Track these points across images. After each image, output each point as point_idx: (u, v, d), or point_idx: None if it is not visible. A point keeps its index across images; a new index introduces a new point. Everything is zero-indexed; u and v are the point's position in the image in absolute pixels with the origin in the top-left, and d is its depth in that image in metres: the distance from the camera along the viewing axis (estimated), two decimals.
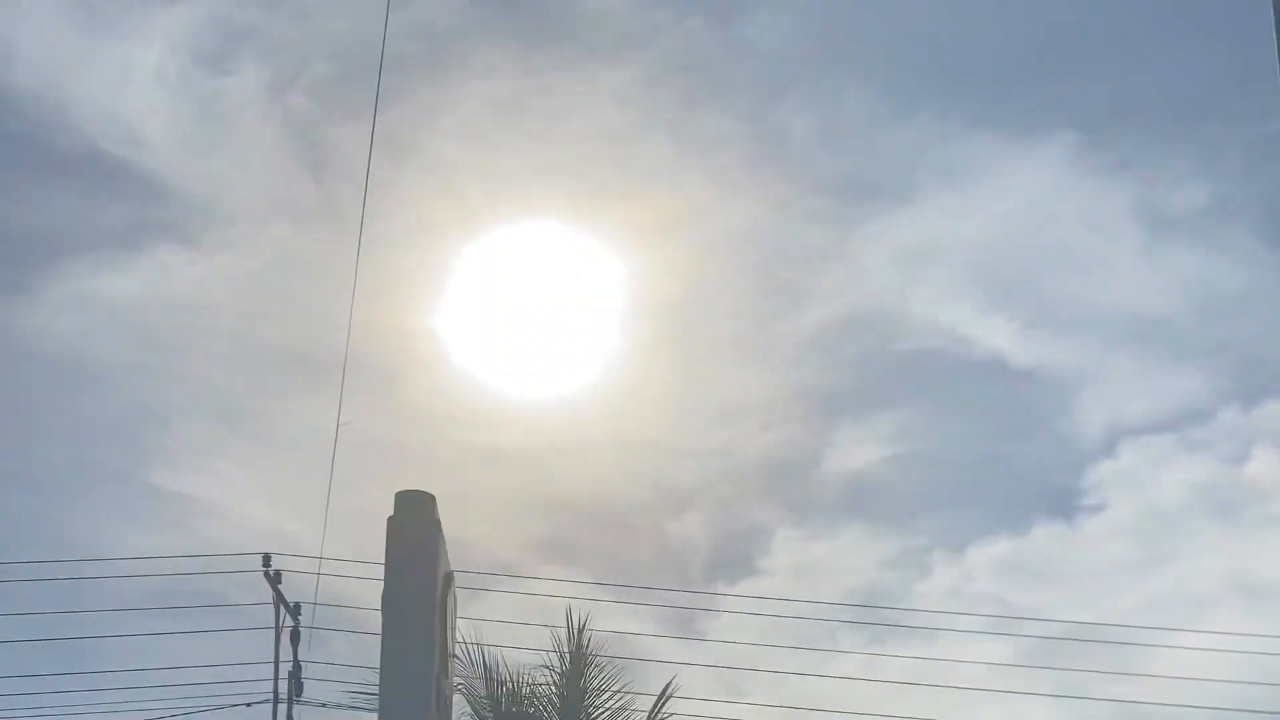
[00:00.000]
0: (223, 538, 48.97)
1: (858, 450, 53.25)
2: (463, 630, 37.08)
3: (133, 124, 53.97)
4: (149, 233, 54.53)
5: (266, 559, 36.66)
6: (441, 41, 55.74)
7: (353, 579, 34.10)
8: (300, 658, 36.80)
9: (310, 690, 36.60)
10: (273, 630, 37.15)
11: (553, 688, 27.80)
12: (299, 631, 36.45)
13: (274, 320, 54.06)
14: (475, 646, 27.41)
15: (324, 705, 35.94)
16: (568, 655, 27.77)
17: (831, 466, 53.59)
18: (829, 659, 42.79)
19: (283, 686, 36.54)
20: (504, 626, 36.92)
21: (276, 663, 36.76)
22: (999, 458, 55.24)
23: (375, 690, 16.56)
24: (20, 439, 51.27)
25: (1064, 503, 53.48)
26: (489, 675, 27.63)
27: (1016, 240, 56.21)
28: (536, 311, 52.28)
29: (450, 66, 55.70)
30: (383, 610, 13.17)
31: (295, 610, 36.80)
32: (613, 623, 40.16)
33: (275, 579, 36.69)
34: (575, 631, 27.91)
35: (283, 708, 36.38)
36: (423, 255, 53.10)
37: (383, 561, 13.52)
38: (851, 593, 48.57)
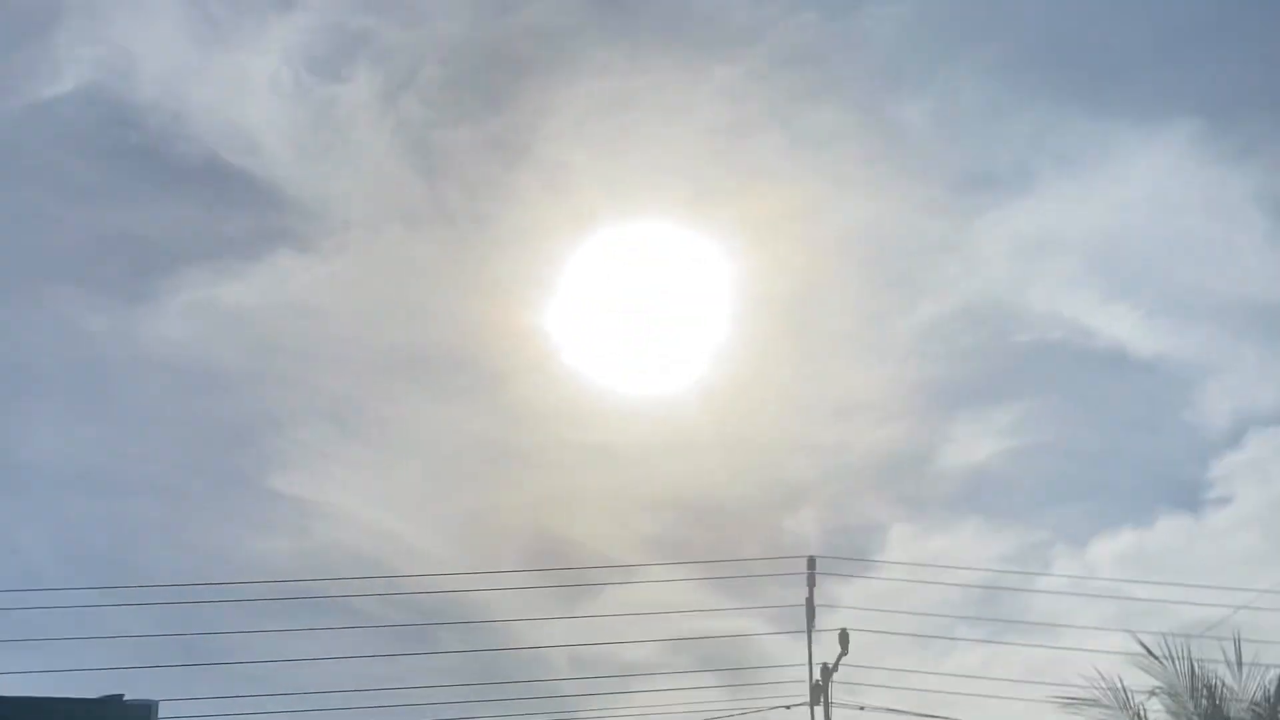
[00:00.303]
0: (340, 541, 49.35)
1: (975, 444, 52.69)
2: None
3: (250, 133, 54.82)
4: (266, 240, 55.32)
5: (811, 561, 36.43)
6: (553, 42, 56.02)
7: None
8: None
9: None
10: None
11: None
12: (845, 634, 35.40)
13: (389, 324, 54.52)
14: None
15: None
16: None
17: (948, 461, 53.04)
18: (947, 655, 42.32)
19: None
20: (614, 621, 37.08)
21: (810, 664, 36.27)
22: (1122, 450, 54.30)
23: None
24: (142, 444, 52.15)
25: (1189, 495, 52.34)
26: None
27: (1137, 229, 55.37)
28: (647, 309, 52.34)
29: (562, 67, 55.95)
30: None
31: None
32: (724, 622, 40.28)
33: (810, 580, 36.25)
34: None
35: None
36: (534, 255, 53.39)
37: None
38: (969, 588, 47.93)
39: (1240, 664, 27.73)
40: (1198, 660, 27.97)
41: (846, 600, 45.69)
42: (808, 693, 34.38)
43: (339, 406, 53.04)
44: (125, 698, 31.66)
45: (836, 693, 33.92)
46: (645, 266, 52.60)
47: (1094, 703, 28.07)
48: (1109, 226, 54.65)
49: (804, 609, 36.61)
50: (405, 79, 54.83)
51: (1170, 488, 52.22)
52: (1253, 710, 27.28)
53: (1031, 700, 34.90)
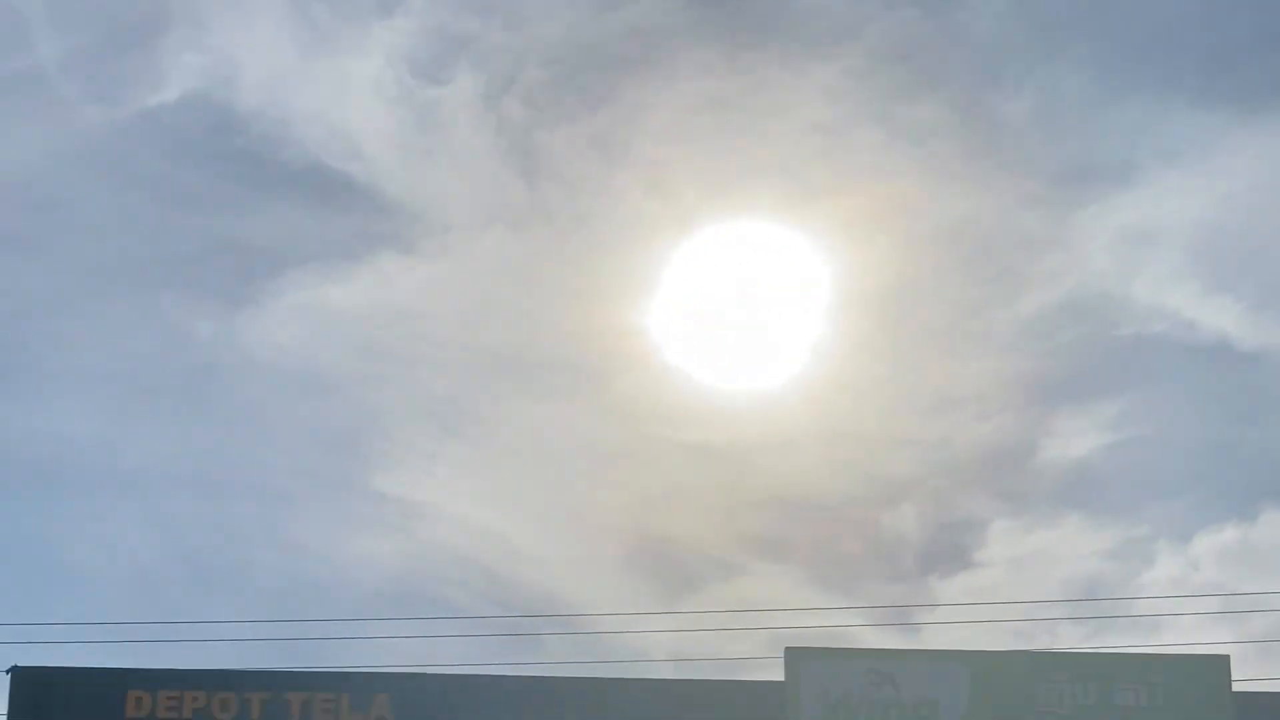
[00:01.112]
0: (443, 541, 49.82)
1: (1077, 438, 52.32)
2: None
3: (352, 137, 55.56)
4: (370, 242, 55.99)
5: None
6: (653, 42, 56.29)
7: None
8: None
9: None
10: None
11: None
12: None
13: (491, 324, 55.00)
14: None
15: None
16: None
17: (1050, 455, 52.73)
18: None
19: None
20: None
21: None
22: (1226, 443, 53.73)
23: None
24: (250, 446, 53.00)
25: None
26: None
27: (1241, 220, 54.78)
28: (746, 307, 52.43)
29: (661, 66, 56.22)
30: None
31: None
32: (829, 617, 40.35)
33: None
34: None
35: None
36: (634, 254, 53.69)
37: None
38: (1071, 584, 47.69)
39: None
40: None
41: (947, 595, 45.79)
42: None
43: (442, 407, 53.64)
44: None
45: None
46: (744, 264, 52.75)
47: None
48: (1212, 218, 54.16)
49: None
50: (506, 80, 55.37)
51: (1275, 481, 51.63)
52: None
53: None
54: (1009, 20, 55.63)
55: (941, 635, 41.15)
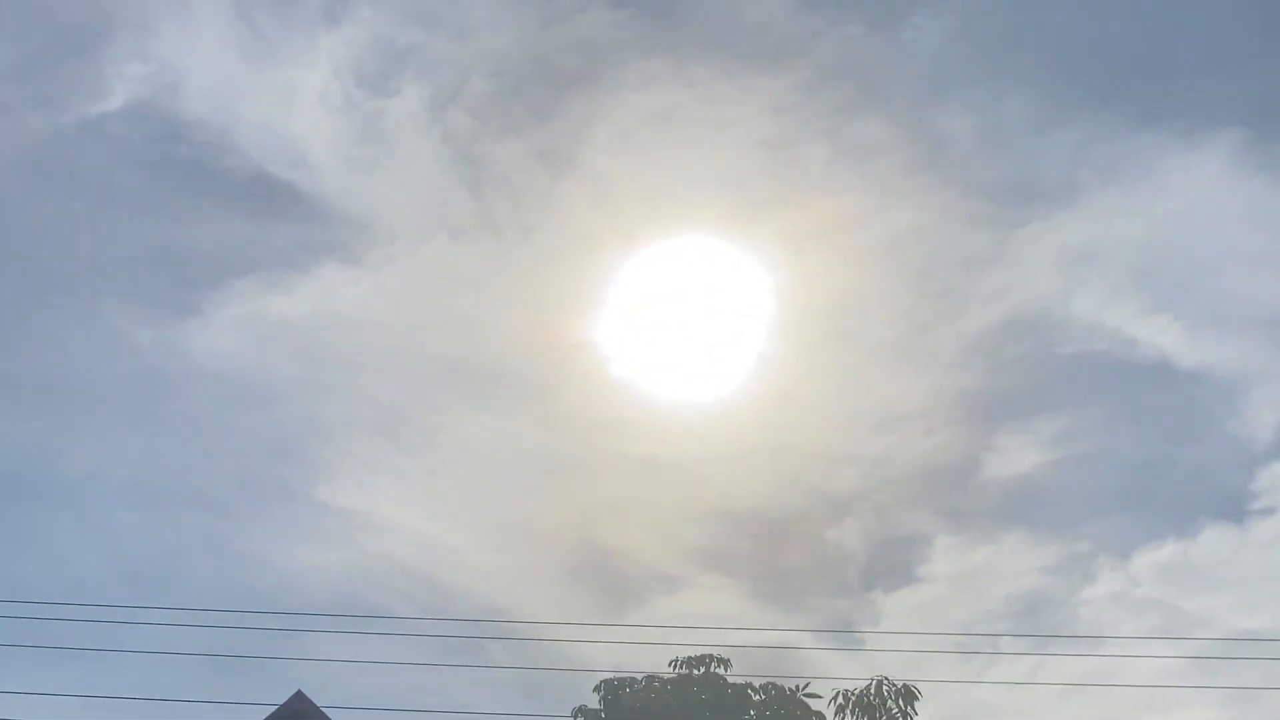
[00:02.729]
0: (388, 552, 49.64)
1: (1019, 455, 52.58)
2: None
3: (297, 146, 55.37)
4: (313, 252, 55.81)
5: None
6: (599, 54, 56.38)
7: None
8: None
9: None
10: None
11: None
12: None
13: (436, 335, 54.92)
14: None
15: None
16: None
17: (992, 472, 52.99)
18: (991, 666, 42.33)
19: None
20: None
21: None
22: (1165, 461, 54.18)
23: None
24: (192, 456, 52.65)
25: (1234, 506, 52.05)
26: None
27: (1181, 240, 55.30)
28: (693, 322, 52.55)
29: (608, 79, 56.31)
30: None
31: None
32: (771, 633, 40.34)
33: None
34: None
35: None
36: (581, 266, 53.71)
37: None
38: (1013, 600, 47.96)
39: None
40: None
41: (890, 610, 45.96)
42: None
43: (386, 417, 53.45)
44: None
45: None
46: (691, 278, 52.87)
47: None
48: (1153, 238, 54.67)
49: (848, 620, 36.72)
50: (452, 92, 55.36)
51: (1214, 499, 52.04)
52: None
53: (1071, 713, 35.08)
54: (954, 38, 56.03)
55: (886, 648, 41.26)
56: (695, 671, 29.26)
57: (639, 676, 29.39)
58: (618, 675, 29.43)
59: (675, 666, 29.48)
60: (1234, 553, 49.73)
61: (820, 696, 28.88)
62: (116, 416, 53.30)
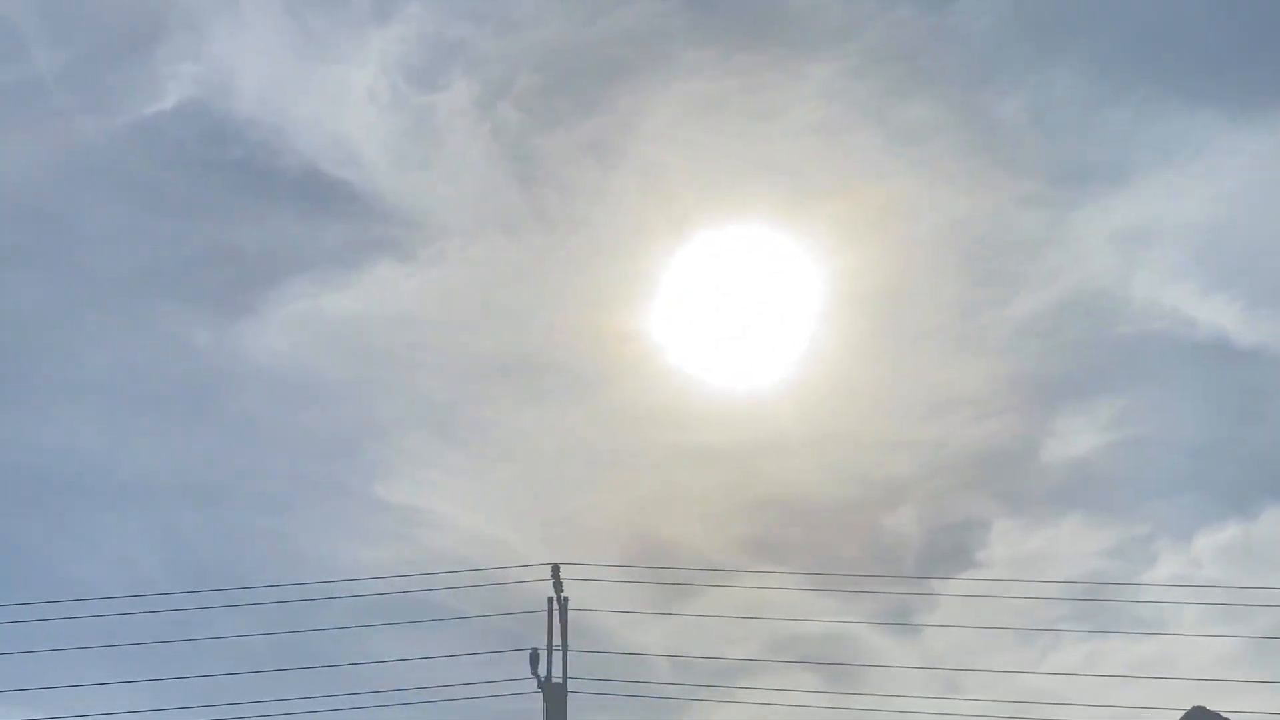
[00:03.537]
0: (443, 547, 49.78)
1: (1077, 438, 52.23)
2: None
3: (349, 144, 55.57)
4: (366, 250, 55.98)
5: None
6: (647, 45, 56.26)
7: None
8: None
9: None
10: None
11: None
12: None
13: (488, 330, 55.01)
14: None
15: None
16: None
17: (1050, 455, 52.63)
18: (1050, 651, 42.06)
19: None
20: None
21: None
22: (1226, 441, 53.55)
23: None
24: (249, 455, 52.95)
25: None
26: None
27: (1239, 218, 54.66)
28: (744, 310, 52.41)
29: (656, 69, 56.18)
30: None
31: None
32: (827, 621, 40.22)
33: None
34: None
35: None
36: (632, 258, 53.67)
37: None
38: (1073, 584, 47.52)
39: None
40: None
41: (948, 597, 45.60)
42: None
43: (440, 414, 53.61)
44: None
45: None
46: (741, 267, 52.74)
47: None
48: (1209, 216, 54.08)
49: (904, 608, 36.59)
50: (501, 86, 55.38)
51: (1276, 478, 51.44)
52: None
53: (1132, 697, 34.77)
54: (1005, 19, 55.64)
55: (942, 636, 41.07)
56: None
57: None
58: None
59: None
60: None
61: None
62: (174, 417, 53.72)
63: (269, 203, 56.38)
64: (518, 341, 54.44)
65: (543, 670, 31.59)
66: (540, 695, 31.72)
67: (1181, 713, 33.99)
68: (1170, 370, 54.26)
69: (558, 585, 33.92)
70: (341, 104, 55.72)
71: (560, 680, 31.80)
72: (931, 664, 37.73)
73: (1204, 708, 30.66)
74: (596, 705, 33.06)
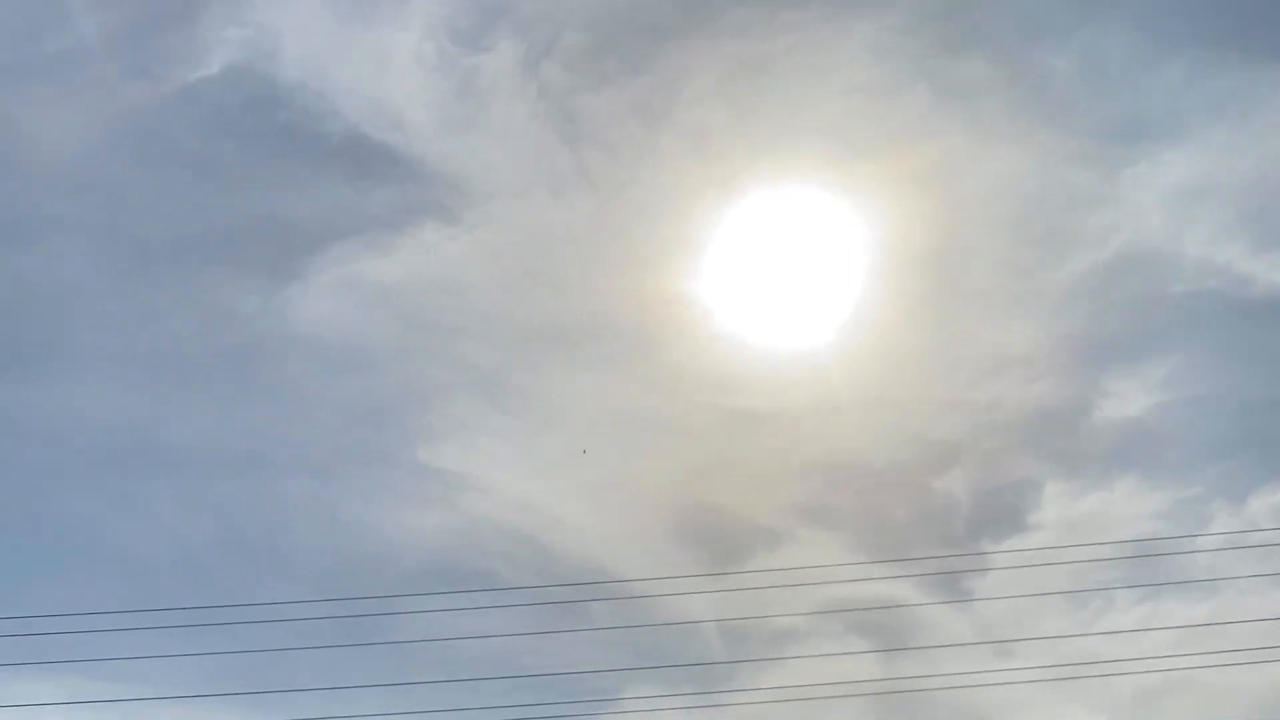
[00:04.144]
0: (489, 513, 49.73)
1: (1129, 398, 51.73)
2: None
3: (393, 107, 55.35)
4: (411, 214, 55.79)
5: None
6: (693, 4, 55.81)
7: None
8: None
9: None
10: None
11: None
12: None
13: (533, 294, 54.82)
14: None
15: None
16: None
17: (1102, 416, 52.16)
18: (1103, 614, 41.73)
19: None
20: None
21: None
22: None
23: None
24: (294, 422, 53.01)
25: None
26: None
27: None
28: (793, 271, 52.04)
29: (702, 28, 55.71)
30: None
31: None
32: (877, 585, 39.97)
33: None
34: None
35: None
36: (678, 219, 53.28)
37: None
38: (1125, 546, 47.13)
39: None
40: None
41: (998, 562, 45.30)
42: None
43: (486, 379, 53.51)
44: None
45: None
46: (789, 228, 52.36)
47: None
48: (1264, 173, 53.32)
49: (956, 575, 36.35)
50: (546, 46, 55.03)
51: None
52: None
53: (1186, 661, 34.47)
54: None
55: (994, 600, 40.77)
56: None
57: None
58: None
59: None
60: None
61: None
62: (220, 385, 53.78)
63: (314, 168, 56.29)
64: (563, 305, 54.27)
65: None
66: None
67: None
68: (1223, 329, 53.68)
69: None
70: (386, 67, 55.53)
71: None
72: (983, 629, 37.47)
73: None
74: None
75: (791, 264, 52.23)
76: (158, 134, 55.00)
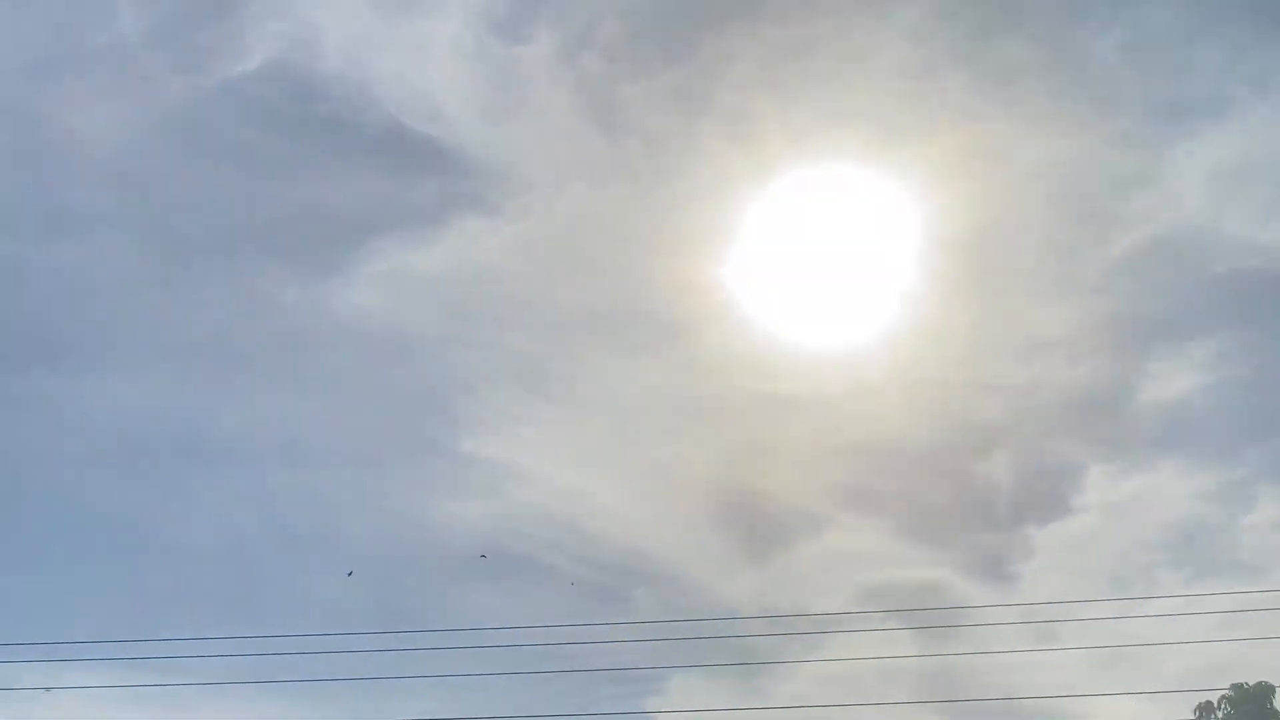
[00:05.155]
0: (532, 501, 49.87)
1: (1173, 380, 51.45)
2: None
3: (433, 98, 55.56)
4: (452, 205, 56.04)
5: None
6: None
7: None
8: None
9: None
10: None
11: None
12: None
13: (573, 282, 54.97)
14: None
15: None
16: None
17: (1145, 398, 51.91)
18: (1147, 599, 41.49)
19: None
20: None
21: None
22: None
23: None
24: (339, 413, 53.29)
25: None
26: None
27: None
28: (832, 256, 51.99)
29: (740, 15, 55.61)
30: None
31: None
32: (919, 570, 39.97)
33: None
34: None
35: None
36: (717, 206, 53.26)
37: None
38: (1169, 528, 46.99)
39: None
40: None
41: (1043, 544, 45.22)
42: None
43: (527, 367, 53.65)
44: None
45: None
46: (830, 213, 52.28)
47: None
48: None
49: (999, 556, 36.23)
50: (585, 36, 55.09)
51: None
52: None
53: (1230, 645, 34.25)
54: None
55: (1038, 584, 40.63)
56: None
57: None
58: None
59: None
60: None
61: None
62: (266, 376, 54.18)
63: (355, 160, 56.53)
64: (604, 293, 54.37)
65: None
66: None
67: None
68: (1267, 309, 53.30)
69: None
70: (425, 59, 55.73)
71: None
72: (1026, 611, 37.29)
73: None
74: None
75: (831, 249, 52.22)
76: (200, 128, 55.44)
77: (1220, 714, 29.77)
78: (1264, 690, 29.82)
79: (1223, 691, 31.10)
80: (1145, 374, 52.17)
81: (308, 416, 53.09)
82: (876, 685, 34.70)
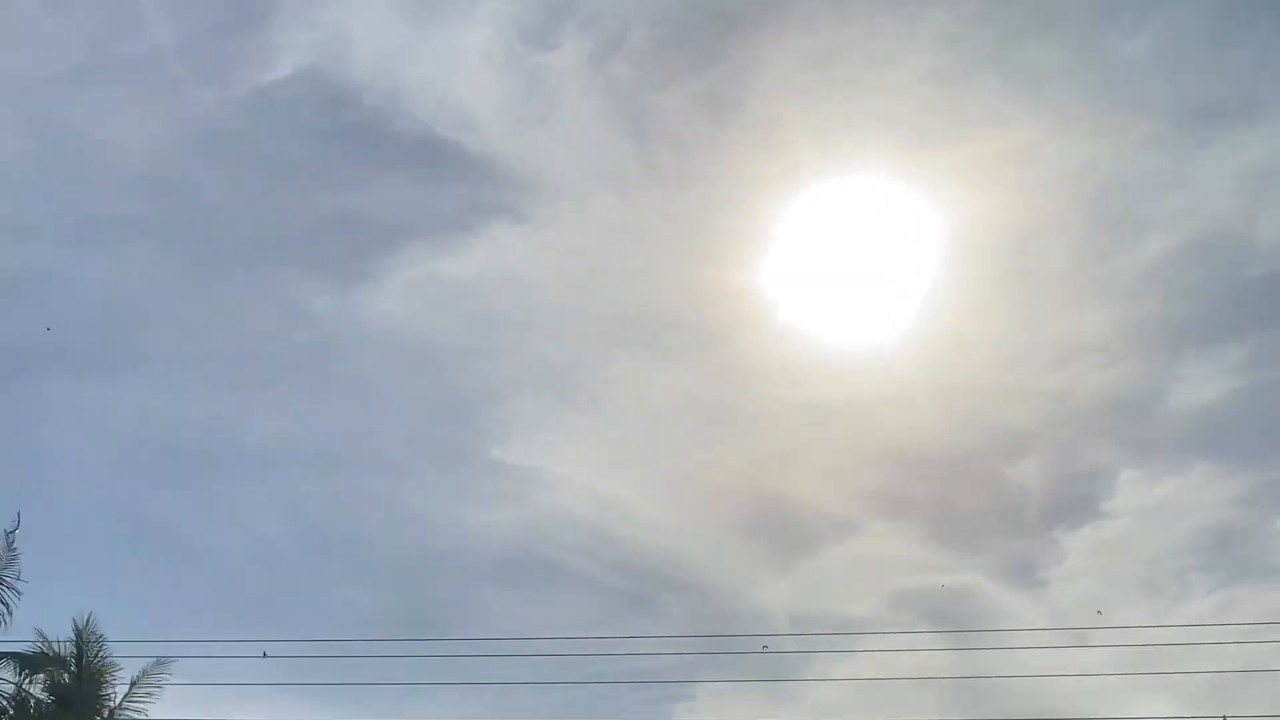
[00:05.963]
0: (561, 508, 49.97)
1: (1205, 383, 51.30)
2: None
3: (463, 106, 55.63)
4: (482, 213, 56.11)
5: None
6: None
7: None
8: None
9: None
10: None
11: None
12: None
13: (601, 289, 55.02)
14: None
15: None
16: None
17: (1177, 402, 51.74)
18: (1179, 602, 41.38)
19: None
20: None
21: None
22: None
23: None
24: (368, 420, 53.49)
25: None
26: None
27: None
28: (863, 261, 51.91)
29: (769, 21, 55.52)
30: None
31: None
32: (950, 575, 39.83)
33: None
34: None
35: None
36: (747, 212, 53.21)
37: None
38: (1201, 533, 46.80)
39: None
40: None
41: (1074, 549, 45.03)
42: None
43: (556, 374, 53.78)
44: None
45: None
46: (859, 218, 52.20)
47: None
48: None
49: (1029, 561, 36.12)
50: (614, 42, 55.11)
51: None
52: None
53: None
54: None
55: (1070, 589, 40.43)
56: None
57: None
58: None
59: None
60: None
61: None
62: (295, 384, 54.41)
63: (385, 168, 56.67)
64: (633, 301, 54.40)
65: None
66: None
67: None
68: None
69: None
70: (455, 67, 55.82)
71: None
72: (1057, 616, 37.19)
73: None
74: None
75: (862, 254, 52.15)
76: (231, 137, 55.62)
77: None
78: None
79: None
80: (1177, 378, 52.03)
81: (339, 424, 53.37)
82: (907, 691, 34.68)
